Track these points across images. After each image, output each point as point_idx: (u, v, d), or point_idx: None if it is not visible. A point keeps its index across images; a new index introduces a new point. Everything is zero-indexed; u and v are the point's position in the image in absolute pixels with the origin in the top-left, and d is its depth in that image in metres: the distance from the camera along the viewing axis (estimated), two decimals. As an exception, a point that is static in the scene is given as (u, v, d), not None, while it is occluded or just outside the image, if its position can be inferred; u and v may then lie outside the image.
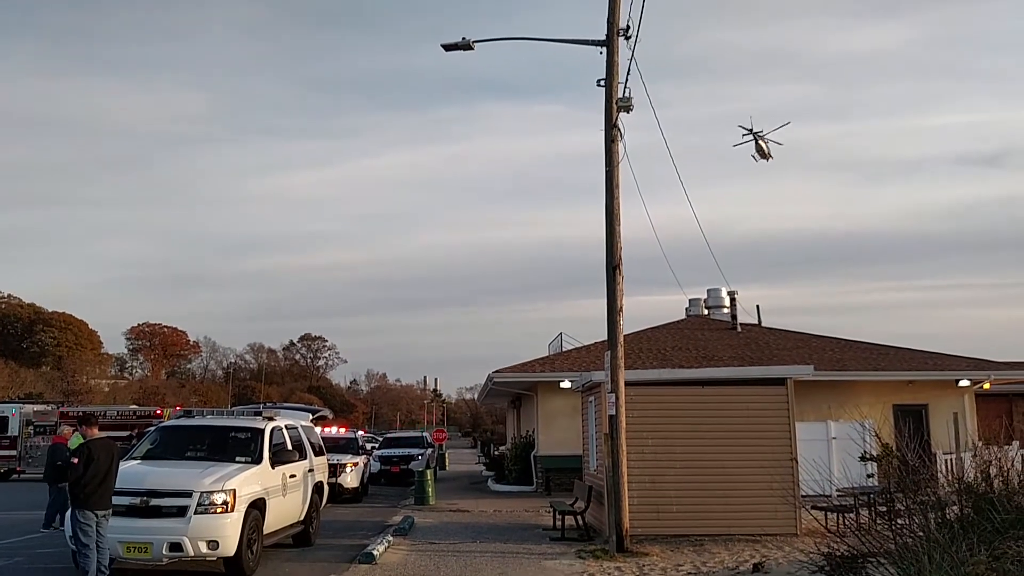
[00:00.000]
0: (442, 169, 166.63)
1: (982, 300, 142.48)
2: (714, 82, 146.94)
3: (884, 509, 10.52)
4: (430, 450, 35.83)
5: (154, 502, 10.76)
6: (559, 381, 24.39)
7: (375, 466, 31.06)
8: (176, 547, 10.57)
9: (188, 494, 10.80)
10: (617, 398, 13.41)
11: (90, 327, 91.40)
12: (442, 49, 14.40)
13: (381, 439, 43.14)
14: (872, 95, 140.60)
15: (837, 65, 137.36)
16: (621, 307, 13.80)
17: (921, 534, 7.76)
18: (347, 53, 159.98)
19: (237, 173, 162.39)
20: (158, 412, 32.88)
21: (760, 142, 20.76)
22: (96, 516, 9.94)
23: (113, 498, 10.43)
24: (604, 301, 13.91)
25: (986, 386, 26.96)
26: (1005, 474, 8.55)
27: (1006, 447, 11.37)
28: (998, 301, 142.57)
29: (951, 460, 14.95)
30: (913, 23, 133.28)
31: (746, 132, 20.11)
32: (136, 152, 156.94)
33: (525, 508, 20.35)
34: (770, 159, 20.79)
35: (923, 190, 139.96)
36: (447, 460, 44.34)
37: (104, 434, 10.77)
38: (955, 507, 8.37)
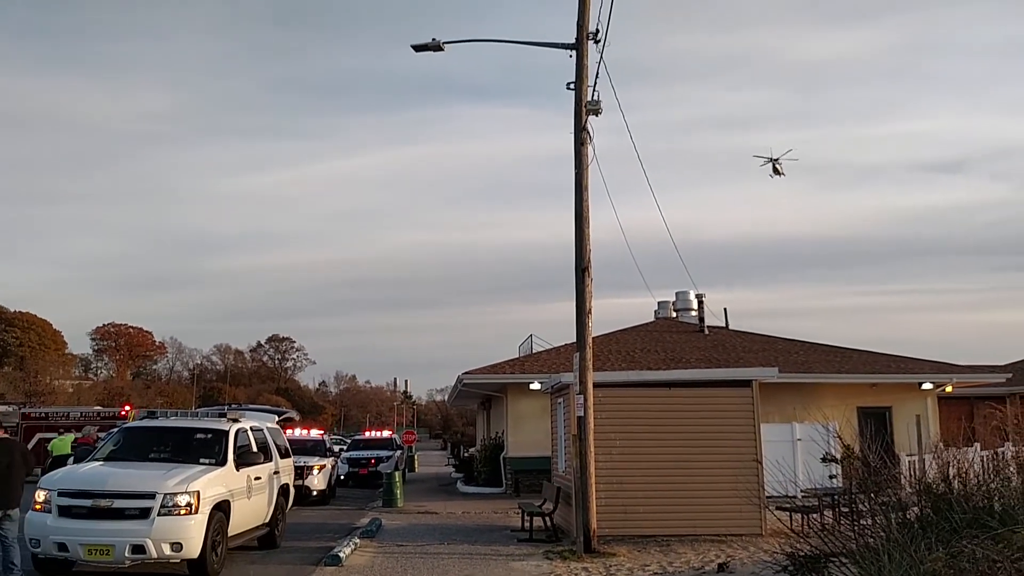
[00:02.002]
0: (412, 170, 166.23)
1: (945, 304, 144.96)
2: (680, 87, 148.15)
3: (847, 510, 10.65)
4: (399, 452, 35.70)
5: (117, 504, 10.63)
6: (529, 383, 24.42)
7: (343, 468, 30.89)
8: (139, 549, 10.44)
9: (151, 496, 10.69)
10: (585, 399, 13.46)
11: (54, 327, 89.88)
12: (412, 50, 14.40)
13: (349, 441, 42.93)
14: (834, 101, 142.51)
15: (800, 71, 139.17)
16: (590, 309, 13.86)
17: (882, 534, 7.87)
18: (316, 53, 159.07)
19: (205, 172, 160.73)
20: (122, 413, 32.43)
21: (775, 164, 26.01)
22: None
23: (74, 500, 10.29)
24: (573, 303, 13.97)
25: (948, 389, 27.43)
26: (964, 475, 8.70)
27: (966, 449, 11.58)
28: (960, 305, 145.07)
29: (914, 462, 15.20)
30: (874, 30, 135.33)
31: (766, 160, 25.25)
32: (101, 150, 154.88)
33: (494, 510, 20.35)
34: (783, 175, 26.51)
35: (885, 195, 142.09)
36: (416, 462, 44.21)
37: (6, 436, 10.99)
38: (916, 508, 8.51)
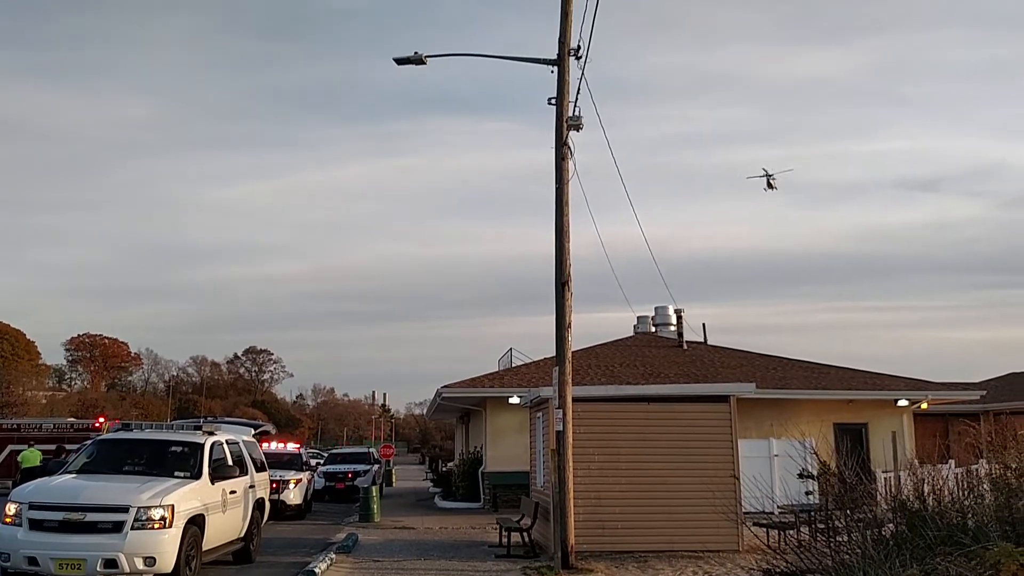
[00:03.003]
0: (392, 182, 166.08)
1: (920, 322, 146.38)
2: (660, 104, 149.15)
3: (823, 526, 10.71)
4: (376, 466, 35.50)
5: (89, 517, 10.50)
6: (508, 397, 24.39)
7: (319, 482, 30.68)
8: (111, 564, 10.30)
9: (125, 509, 10.57)
10: (565, 414, 13.46)
11: (27, 337, 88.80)
12: (394, 63, 14.42)
13: (326, 455, 42.64)
14: (811, 120, 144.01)
15: (778, 90, 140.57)
16: (569, 323, 13.88)
17: (858, 551, 7.92)
18: (297, 65, 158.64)
19: (182, 182, 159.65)
20: (96, 425, 32.00)
21: (770, 179, 29.33)
22: None
23: (46, 513, 10.15)
24: (553, 317, 13.99)
25: (924, 406, 27.66)
26: (938, 493, 8.78)
27: (940, 466, 11.69)
28: (936, 323, 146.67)
29: (889, 478, 15.30)
30: (852, 51, 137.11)
31: (762, 175, 29.06)
32: (78, 159, 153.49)
33: (472, 525, 20.26)
34: (776, 189, 29.64)
35: (863, 213, 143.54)
36: (394, 476, 43.97)
37: None
38: (891, 524, 8.57)
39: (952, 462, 15.86)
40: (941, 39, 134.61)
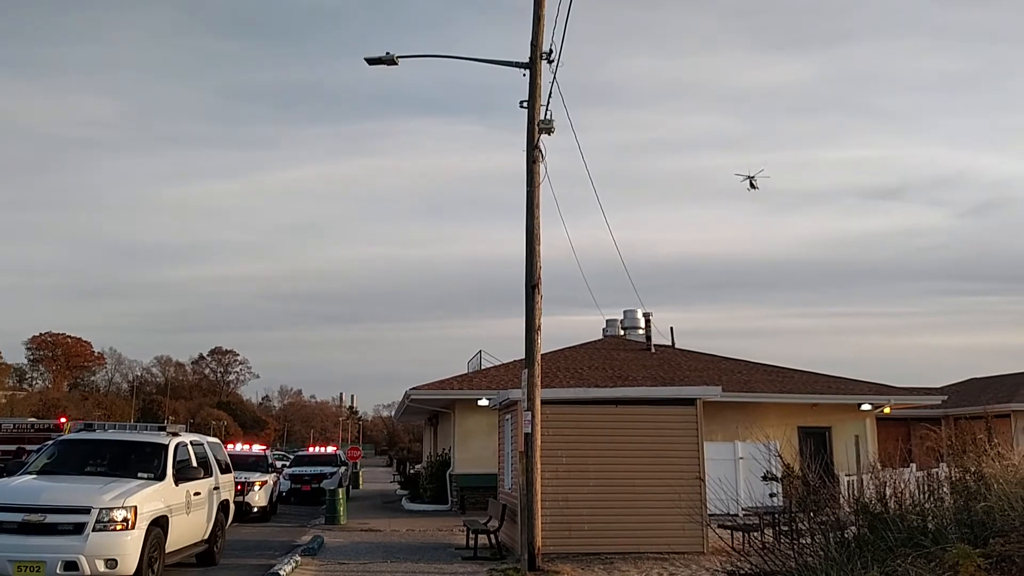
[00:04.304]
0: (360, 183, 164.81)
1: (883, 327, 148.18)
2: (629, 110, 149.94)
3: (787, 528, 10.83)
4: (343, 468, 35.28)
5: (50, 518, 10.31)
6: (477, 399, 24.38)
7: (285, 485, 30.43)
8: (71, 566, 10.13)
9: (86, 510, 10.41)
10: (533, 416, 13.48)
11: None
12: (365, 63, 14.37)
13: (292, 457, 42.30)
14: (777, 128, 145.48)
15: (744, 98, 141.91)
16: (539, 326, 13.91)
17: (821, 553, 8.02)
18: (264, 63, 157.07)
19: (145, 180, 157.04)
20: (58, 425, 31.50)
21: (752, 180, 31.08)
22: None
23: (5, 514, 9.96)
24: (523, 320, 14.01)
25: (887, 410, 28.10)
26: (899, 496, 8.92)
27: (902, 470, 11.87)
28: (899, 329, 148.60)
29: (852, 481, 15.51)
30: (815, 60, 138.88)
31: (744, 177, 31.15)
32: (40, 155, 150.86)
33: (439, 527, 20.21)
34: (757, 188, 31.31)
35: (828, 220, 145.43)
36: (361, 479, 43.72)
37: None
38: (854, 527, 8.68)
39: (913, 466, 16.11)
40: (903, 50, 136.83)
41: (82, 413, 70.09)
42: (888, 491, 8.92)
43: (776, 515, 14.91)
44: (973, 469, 8.97)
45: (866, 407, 27.02)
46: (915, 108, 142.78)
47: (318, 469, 32.50)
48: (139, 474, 11.84)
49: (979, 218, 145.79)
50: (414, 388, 25.96)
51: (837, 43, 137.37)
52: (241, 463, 22.11)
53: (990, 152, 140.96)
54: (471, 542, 15.26)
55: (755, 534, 13.63)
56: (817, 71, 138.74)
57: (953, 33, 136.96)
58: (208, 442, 14.84)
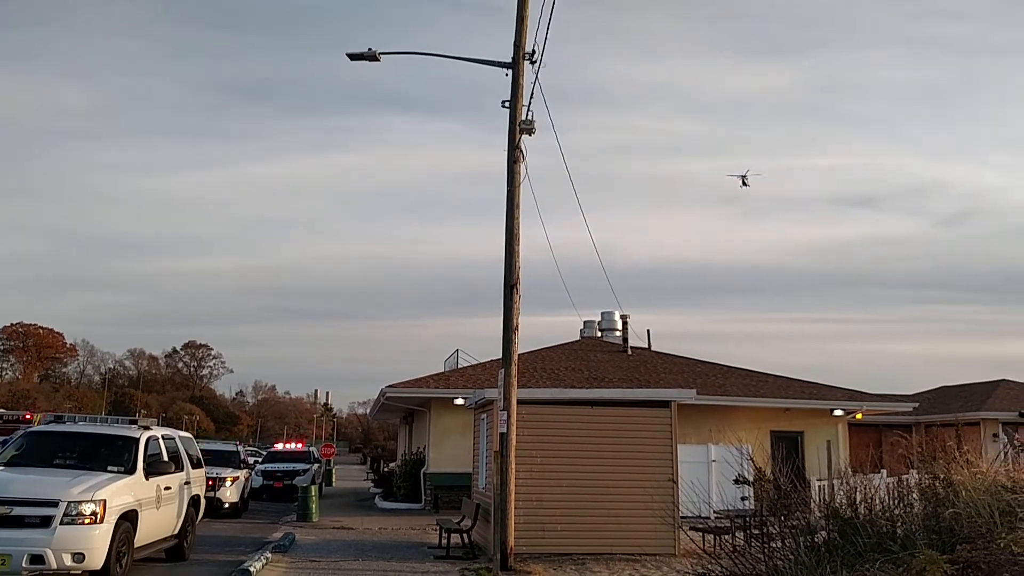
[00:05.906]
0: (339, 179, 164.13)
1: (856, 334, 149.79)
2: (609, 112, 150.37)
3: (758, 532, 10.89)
4: (316, 465, 35.10)
5: (16, 511, 10.17)
6: (453, 398, 24.35)
7: (257, 481, 30.22)
8: (38, 559, 10.00)
9: (54, 503, 10.28)
10: (509, 416, 13.48)
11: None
12: (347, 58, 14.31)
13: (265, 453, 42.04)
14: (753, 134, 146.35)
15: (720, 104, 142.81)
16: (517, 326, 13.91)
17: (791, 557, 8.07)
18: (243, 56, 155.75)
19: (120, 171, 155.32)
20: (27, 416, 31.12)
21: (743, 178, 34.45)
22: None
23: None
24: (501, 319, 14.01)
25: (859, 416, 28.38)
26: (870, 501, 8.99)
27: (873, 475, 11.99)
28: (871, 335, 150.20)
29: (823, 486, 15.64)
30: (790, 68, 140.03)
31: (738, 175, 34.23)
32: (13, 145, 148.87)
33: (412, 526, 20.16)
34: (749, 186, 34.71)
35: (801, 227, 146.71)
36: (335, 476, 43.53)
37: None
38: (824, 531, 8.75)
39: (884, 472, 16.29)
40: (879, 60, 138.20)
41: (52, 405, 69.33)
42: (858, 496, 8.99)
43: (748, 518, 15.01)
44: (942, 476, 9.06)
45: (838, 413, 27.26)
46: (890, 118, 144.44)
47: (291, 466, 32.31)
48: (109, 467, 11.70)
49: (952, 228, 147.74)
50: (390, 386, 25.88)
51: (814, 52, 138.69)
52: (213, 458, 21.93)
53: (964, 163, 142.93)
54: (444, 541, 15.23)
55: (726, 537, 13.67)
56: (794, 79, 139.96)
57: (927, 44, 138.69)
58: (180, 436, 14.71)
